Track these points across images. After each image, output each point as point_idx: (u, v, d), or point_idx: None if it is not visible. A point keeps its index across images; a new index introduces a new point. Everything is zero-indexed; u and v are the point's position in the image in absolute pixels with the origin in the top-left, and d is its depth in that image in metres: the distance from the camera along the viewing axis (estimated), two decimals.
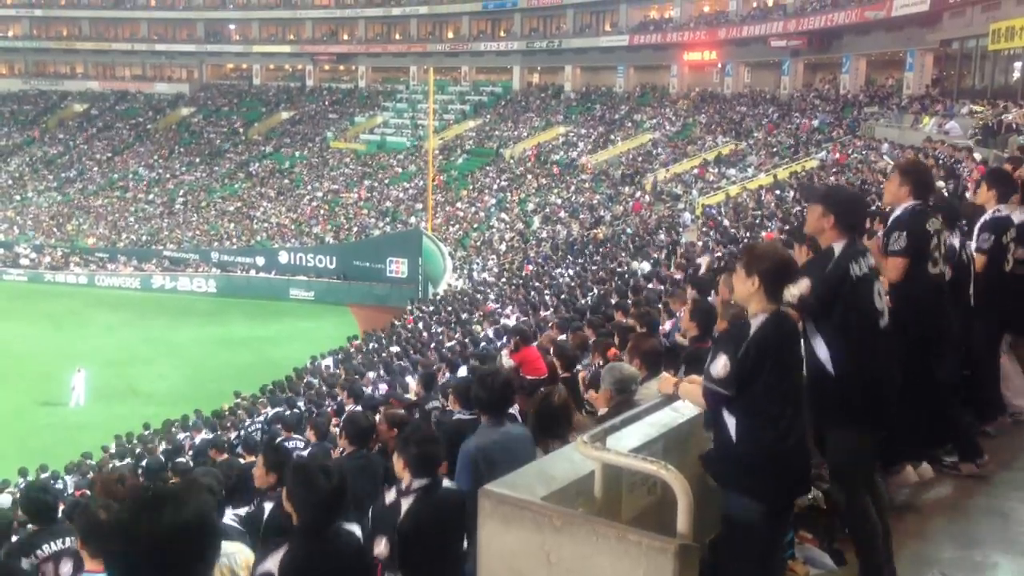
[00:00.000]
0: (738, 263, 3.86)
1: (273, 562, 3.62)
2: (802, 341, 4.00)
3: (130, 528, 2.18)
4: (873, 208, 11.73)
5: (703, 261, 15.36)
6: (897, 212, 5.00)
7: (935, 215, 5.06)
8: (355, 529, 3.96)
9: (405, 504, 4.26)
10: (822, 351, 4.10)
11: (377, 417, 7.09)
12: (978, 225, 6.03)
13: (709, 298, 7.79)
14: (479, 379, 5.15)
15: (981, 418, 5.76)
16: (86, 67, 69.32)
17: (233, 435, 15.57)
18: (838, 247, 4.19)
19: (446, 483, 4.44)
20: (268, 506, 5.21)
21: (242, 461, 9.24)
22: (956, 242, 5.72)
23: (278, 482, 5.07)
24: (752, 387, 3.62)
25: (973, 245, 5.96)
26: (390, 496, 4.36)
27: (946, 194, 12.55)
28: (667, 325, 9.28)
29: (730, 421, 3.68)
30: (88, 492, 13.14)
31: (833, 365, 4.08)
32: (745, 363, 3.60)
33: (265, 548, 3.84)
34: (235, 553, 4.13)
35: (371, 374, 17.55)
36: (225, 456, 10.28)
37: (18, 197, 55.59)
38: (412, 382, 13.96)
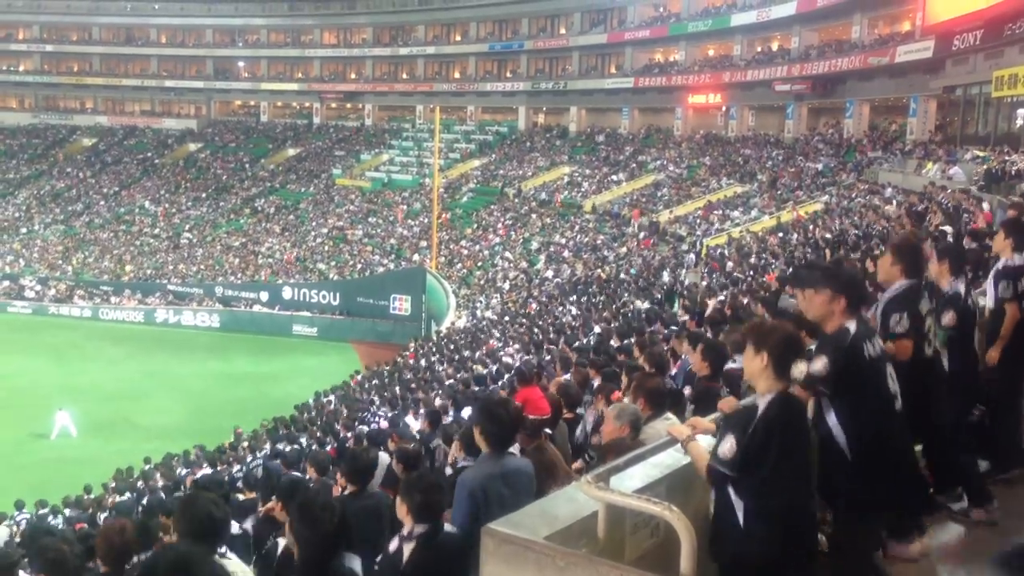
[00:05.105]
0: (747, 341, 3.81)
1: None
2: (812, 419, 3.93)
3: None
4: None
5: (710, 303, 15.31)
6: (892, 293, 4.95)
7: (924, 296, 5.03)
8: (355, 564, 4.01)
9: (407, 550, 4.31)
10: (837, 433, 4.03)
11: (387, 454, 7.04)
12: (993, 274, 5.97)
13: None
14: (488, 411, 5.00)
15: (999, 468, 5.66)
16: (95, 102, 69.99)
17: (235, 469, 15.53)
18: (852, 326, 4.14)
19: (447, 527, 4.47)
20: (282, 542, 5.23)
21: (241, 497, 9.26)
22: (961, 288, 5.65)
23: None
24: (759, 469, 3.56)
25: (990, 294, 5.90)
26: (393, 544, 4.42)
27: (950, 239, 12.56)
28: (673, 369, 9.17)
29: (738, 506, 3.61)
30: (86, 525, 13.13)
31: (849, 448, 4.03)
32: (752, 444, 3.56)
33: None
34: (235, 573, 4.10)
35: (376, 409, 17.49)
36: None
37: (24, 230, 55.85)
38: (412, 422, 13.90)
